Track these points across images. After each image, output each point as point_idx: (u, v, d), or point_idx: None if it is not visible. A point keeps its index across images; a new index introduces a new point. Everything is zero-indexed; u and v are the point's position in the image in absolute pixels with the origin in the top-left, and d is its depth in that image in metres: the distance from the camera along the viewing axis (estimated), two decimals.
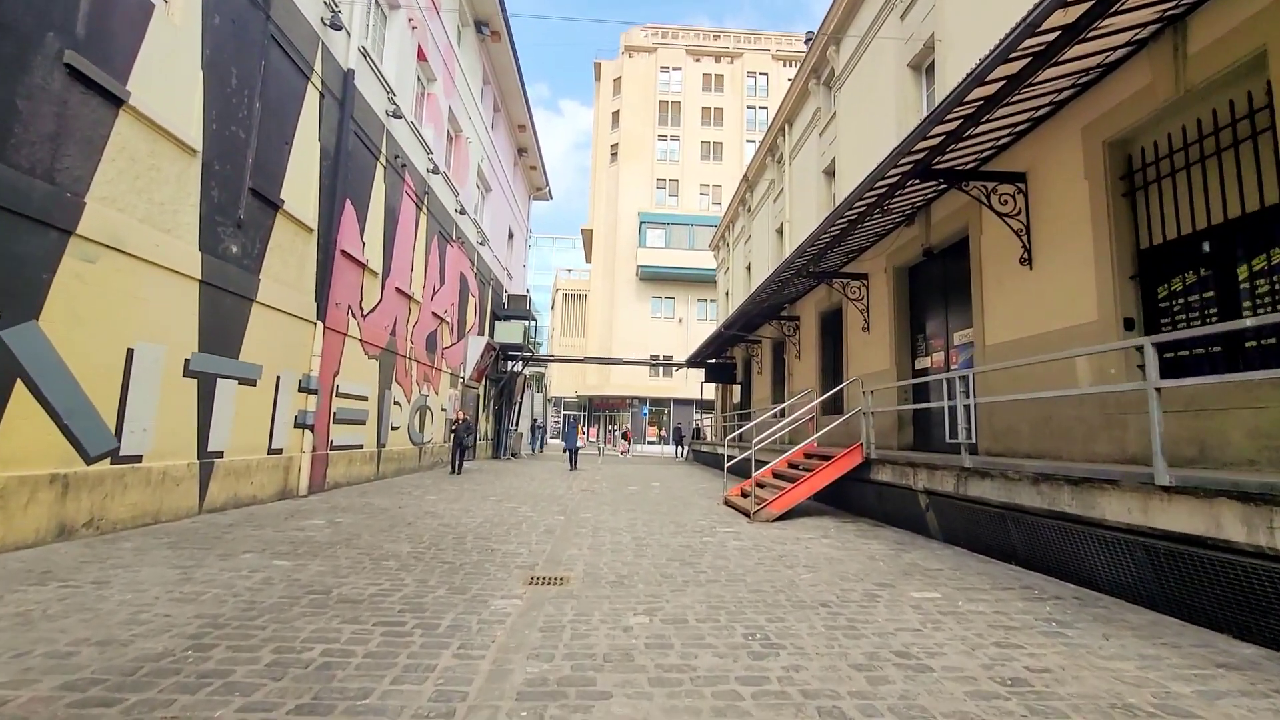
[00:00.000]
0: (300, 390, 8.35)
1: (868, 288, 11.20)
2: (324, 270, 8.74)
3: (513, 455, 22.55)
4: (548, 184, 28.27)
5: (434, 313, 14.17)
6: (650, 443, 41.14)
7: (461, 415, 12.68)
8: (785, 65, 46.03)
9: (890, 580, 4.66)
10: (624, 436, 33.57)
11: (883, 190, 7.65)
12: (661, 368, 41.86)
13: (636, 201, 43.88)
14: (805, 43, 17.27)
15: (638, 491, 11.09)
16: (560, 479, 13.23)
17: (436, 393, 14.77)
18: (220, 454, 6.70)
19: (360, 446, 10.41)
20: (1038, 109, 6.47)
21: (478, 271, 18.28)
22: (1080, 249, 6.14)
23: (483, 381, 19.91)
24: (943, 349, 9.15)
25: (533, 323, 22.38)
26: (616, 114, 45.97)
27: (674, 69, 45.91)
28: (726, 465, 9.84)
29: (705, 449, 22.05)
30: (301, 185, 8.15)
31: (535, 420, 31.94)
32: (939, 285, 9.32)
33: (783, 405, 14.15)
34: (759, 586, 4.42)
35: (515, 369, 22.85)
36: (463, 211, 15.92)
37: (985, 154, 7.32)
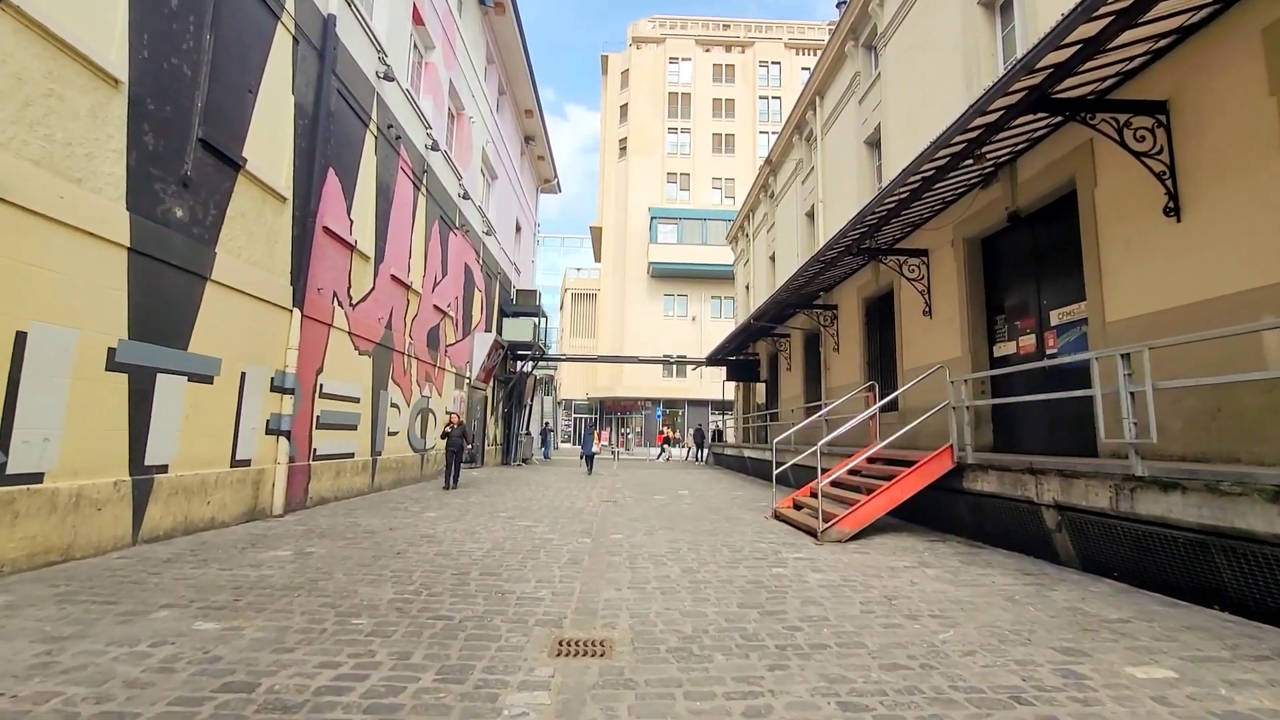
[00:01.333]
0: (273, 390, 7.03)
1: (928, 265, 9.76)
2: (301, 249, 7.43)
3: (523, 461, 21.22)
4: (556, 176, 27.00)
5: (436, 306, 12.86)
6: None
7: (455, 418, 10.98)
8: (799, 54, 44.59)
9: (1073, 643, 3.24)
10: (664, 441, 31.42)
11: (975, 134, 6.24)
12: (675, 368, 40.50)
13: (647, 197, 42.56)
14: (838, 6, 15.87)
15: (666, 503, 9.70)
16: (578, 488, 11.86)
17: (440, 394, 13.46)
18: (163, 468, 5.38)
19: (350, 455, 9.08)
20: (1192, 13, 5.04)
21: (483, 264, 16.98)
22: (1261, 187, 4.70)
23: (490, 382, 18.61)
24: (1033, 331, 7.70)
25: (543, 320, 21.06)
26: (625, 107, 44.70)
27: (683, 60, 44.58)
28: (775, 471, 8.43)
29: (730, 452, 20.61)
30: (271, 144, 6.84)
31: (546, 424, 30.63)
32: (1027, 255, 7.88)
33: (827, 403, 12.72)
34: (890, 657, 3.02)
35: (525, 369, 21.54)
36: (466, 196, 14.62)
37: (1108, 83, 5.89)
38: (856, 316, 12.74)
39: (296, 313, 7.31)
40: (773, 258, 20.92)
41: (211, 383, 5.99)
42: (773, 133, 42.31)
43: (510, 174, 20.15)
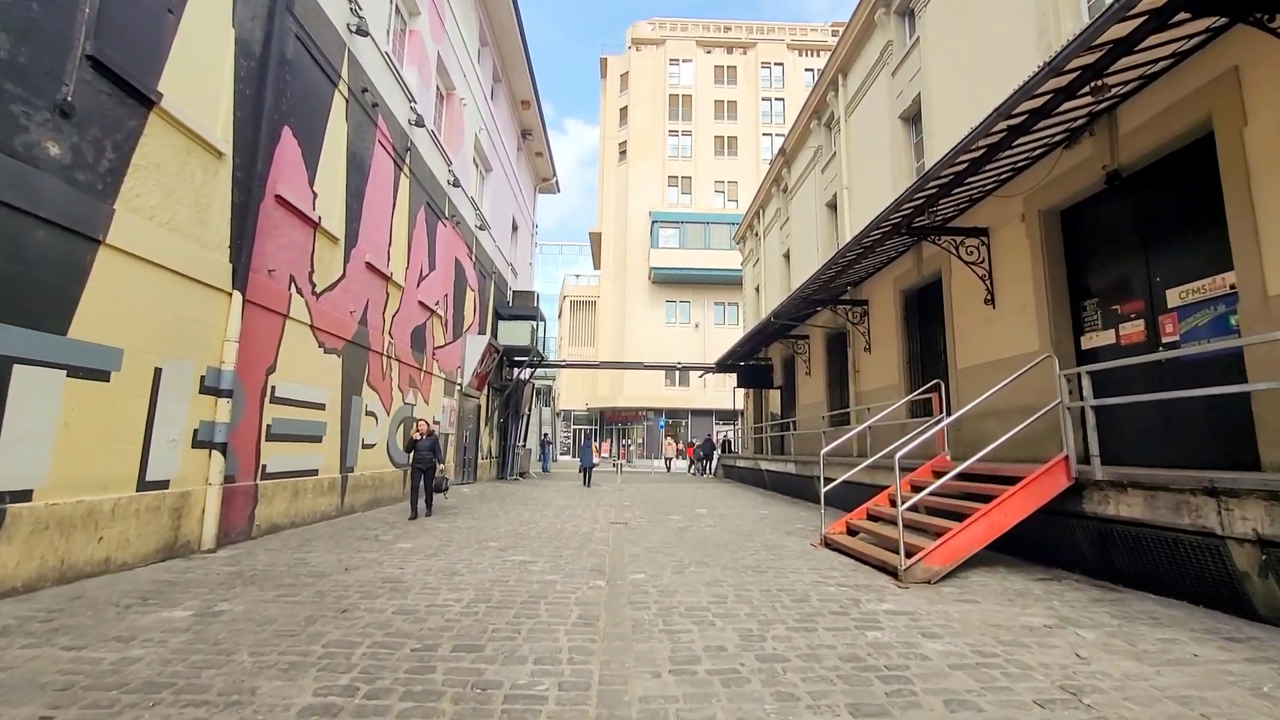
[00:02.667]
0: (204, 392, 5.60)
1: (988, 245, 8.41)
2: (245, 219, 6.04)
3: (521, 475, 19.72)
4: (555, 174, 25.73)
5: (422, 302, 11.46)
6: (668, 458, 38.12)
7: (423, 425, 8.57)
8: (801, 54, 43.68)
9: None
10: (689, 454, 27.52)
11: (1073, 75, 4.90)
12: (678, 376, 39.08)
13: (647, 201, 41.36)
14: None
15: (686, 525, 8.25)
16: (582, 507, 10.40)
17: (427, 401, 12.02)
18: (24, 495, 3.94)
19: (314, 472, 7.63)
20: None
21: (477, 261, 15.61)
22: None
23: (485, 390, 17.18)
24: (1140, 315, 6.31)
25: (541, 323, 19.67)
26: (624, 110, 43.65)
27: (684, 61, 43.59)
28: (823, 490, 6.98)
29: (743, 464, 19.14)
30: (200, 83, 5.47)
31: (545, 435, 29.16)
32: (1129, 224, 6.52)
33: (861, 409, 11.31)
34: None
35: (522, 376, 20.10)
36: (456, 184, 13.28)
37: None
38: (893, 311, 11.37)
39: (237, 296, 5.89)
40: (787, 255, 19.59)
41: (108, 379, 4.56)
42: (777, 134, 41.30)
43: (506, 168, 18.85)
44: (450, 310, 13.51)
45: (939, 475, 7.04)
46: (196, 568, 4.92)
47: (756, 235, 24.02)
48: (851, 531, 6.67)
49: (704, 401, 37.69)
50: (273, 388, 6.74)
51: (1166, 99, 5.68)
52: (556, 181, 26.27)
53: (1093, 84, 5.01)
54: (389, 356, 9.99)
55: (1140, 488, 4.43)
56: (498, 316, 18.05)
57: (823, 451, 7.23)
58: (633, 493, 14.05)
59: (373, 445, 9.44)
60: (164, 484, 5.13)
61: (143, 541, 4.88)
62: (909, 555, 4.89)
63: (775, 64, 43.62)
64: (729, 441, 24.82)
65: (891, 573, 4.97)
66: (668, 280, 39.63)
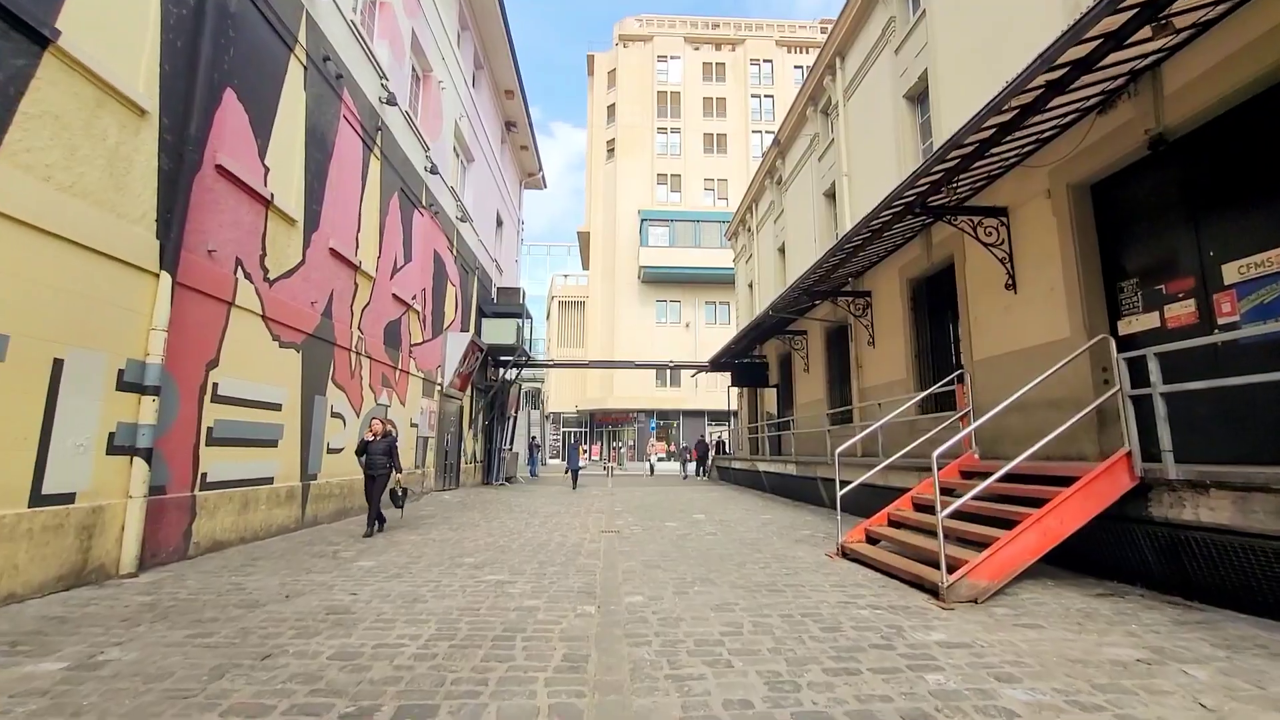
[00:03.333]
0: (123, 388, 4.78)
1: (1009, 225, 7.77)
2: (175, 189, 5.22)
3: (507, 480, 18.88)
4: (541, 169, 24.96)
5: (397, 295, 10.64)
6: (660, 459, 37.41)
7: (379, 427, 7.33)
8: (790, 51, 43.24)
9: None
10: (693, 455, 24.13)
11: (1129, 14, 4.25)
12: (668, 377, 38.37)
13: (636, 199, 40.67)
14: None
15: (684, 533, 7.50)
16: (570, 513, 9.63)
17: (404, 402, 11.20)
18: None
19: (268, 480, 6.80)
20: None
21: (458, 255, 14.80)
22: None
23: (469, 391, 16.35)
24: (1191, 293, 5.67)
25: (528, 321, 18.87)
26: (612, 108, 42.95)
27: (672, 58, 42.99)
28: (839, 493, 6.24)
29: (739, 466, 18.43)
30: (113, 26, 4.66)
31: (534, 439, 28.33)
32: (1174, 194, 5.88)
33: (872, 404, 10.63)
34: None
35: (507, 377, 19.27)
36: (434, 170, 12.47)
37: None
38: (899, 302, 10.72)
39: (166, 279, 5.08)
40: (782, 249, 18.96)
41: None
42: (766, 132, 40.77)
43: (490, 159, 18.06)
44: (429, 306, 12.69)
45: (967, 476, 6.37)
46: (104, 598, 4.10)
47: (749, 230, 23.39)
48: (871, 539, 5.96)
49: (695, 402, 37.01)
50: (214, 385, 5.91)
51: (1225, 48, 5.04)
52: (543, 176, 25.50)
53: (1156, 20, 4.33)
54: (358, 353, 9.17)
55: (1228, 488, 3.75)
56: (481, 314, 17.23)
57: (837, 451, 6.51)
58: (624, 498, 13.30)
59: (340, 450, 8.61)
60: (68, 498, 4.30)
61: (38, 567, 4.05)
62: (950, 570, 4.18)
63: (764, 60, 43.14)
64: (723, 442, 24.13)
65: (930, 590, 4.26)
66: (658, 279, 38.94)
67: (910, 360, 10.50)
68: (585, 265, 46.41)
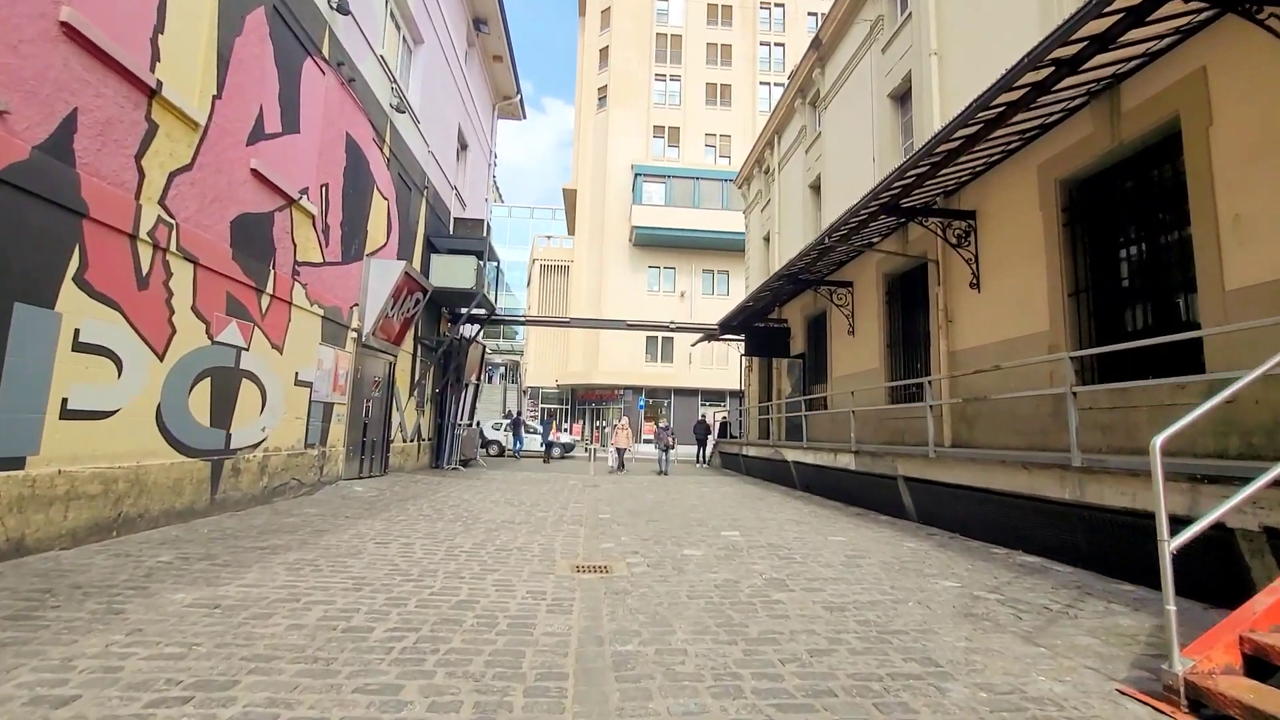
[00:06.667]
0: None
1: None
2: None
3: (463, 464, 15.12)
4: (519, 92, 20.77)
5: (259, 174, 6.72)
6: (647, 440, 33.81)
7: None
8: None
9: None
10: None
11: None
12: (660, 350, 34.71)
13: (630, 153, 36.52)
14: None
15: (728, 579, 3.82)
16: (531, 523, 5.89)
17: (280, 346, 7.37)
18: None
19: None
20: None
21: (392, 157, 10.84)
22: None
23: (414, 348, 12.49)
24: None
25: (493, 264, 14.99)
26: (605, 51, 38.52)
27: None
28: (1176, 544, 2.61)
29: (753, 453, 14.82)
30: None
31: (516, 414, 24.57)
32: None
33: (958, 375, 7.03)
34: None
35: (466, 333, 15.39)
36: (346, 11, 8.49)
37: None
38: (1036, 216, 7.11)
39: None
40: (816, 186, 15.21)
41: None
42: (776, 84, 36.77)
43: (449, 55, 13.96)
44: (337, 214, 8.79)
45: None
46: None
47: (767, 173, 19.59)
48: (1258, 661, 2.34)
49: (689, 380, 33.45)
50: None
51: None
52: (521, 103, 21.32)
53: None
54: (162, 248, 5.30)
55: None
56: (431, 248, 13.30)
57: (1156, 441, 2.72)
58: (611, 494, 9.64)
59: (111, 413, 4.79)
60: None
61: None
62: None
63: (775, 4, 38.92)
64: (727, 424, 20.51)
65: None
66: (651, 242, 35.05)
67: (1052, 304, 6.92)
68: (571, 230, 42.28)
